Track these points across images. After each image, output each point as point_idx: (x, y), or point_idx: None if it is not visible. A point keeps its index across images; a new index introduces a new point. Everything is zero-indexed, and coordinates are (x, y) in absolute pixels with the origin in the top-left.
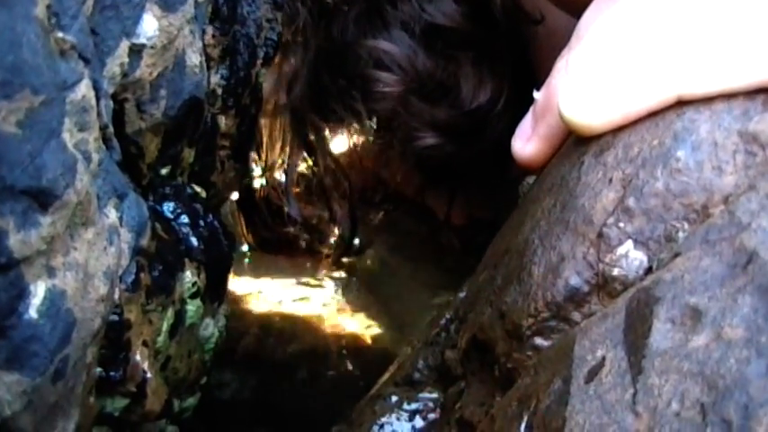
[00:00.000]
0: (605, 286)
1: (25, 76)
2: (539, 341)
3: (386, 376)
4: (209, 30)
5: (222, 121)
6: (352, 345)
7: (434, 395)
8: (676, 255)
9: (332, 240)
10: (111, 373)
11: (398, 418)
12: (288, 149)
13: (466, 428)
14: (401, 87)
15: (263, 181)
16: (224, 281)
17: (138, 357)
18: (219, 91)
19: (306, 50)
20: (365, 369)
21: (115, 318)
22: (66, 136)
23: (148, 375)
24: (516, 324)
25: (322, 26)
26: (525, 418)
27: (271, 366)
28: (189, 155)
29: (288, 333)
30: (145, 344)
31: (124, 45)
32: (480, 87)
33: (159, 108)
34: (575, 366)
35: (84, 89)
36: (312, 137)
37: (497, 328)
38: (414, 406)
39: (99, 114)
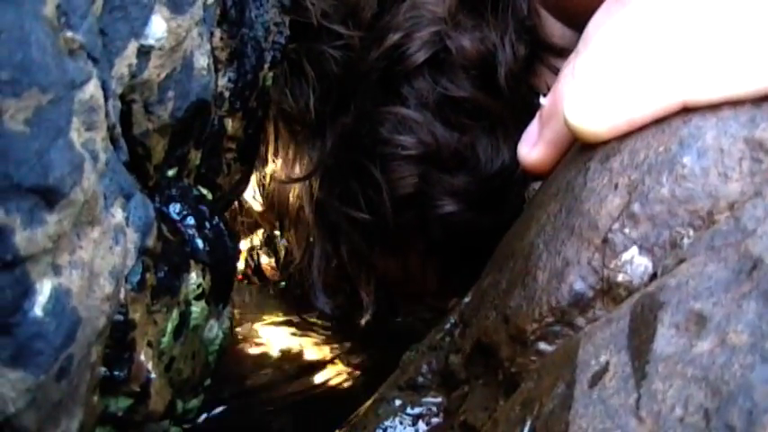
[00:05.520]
0: (610, 292)
1: (33, 74)
2: (543, 346)
3: (390, 380)
4: (218, 32)
5: (229, 123)
6: (354, 355)
7: (438, 399)
8: (681, 261)
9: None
10: (116, 373)
11: (401, 422)
12: (311, 241)
13: None
14: (420, 151)
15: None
16: (229, 283)
17: (142, 357)
18: (227, 93)
19: (323, 142)
20: (367, 379)
21: (120, 317)
22: (73, 135)
23: (152, 375)
24: (520, 329)
25: (336, 111)
26: (528, 423)
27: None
28: (195, 157)
29: (288, 351)
30: (149, 344)
31: (132, 46)
32: (497, 155)
33: (166, 109)
34: (578, 371)
35: (92, 89)
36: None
37: (501, 332)
38: (417, 410)
39: (107, 114)
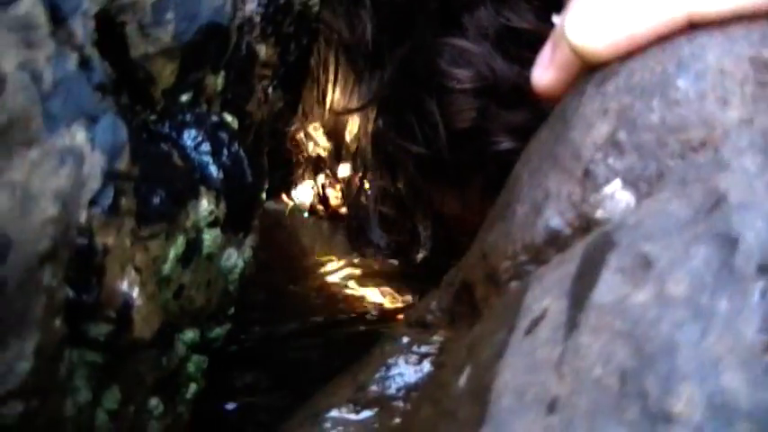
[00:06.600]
0: (588, 229)
1: None
2: (515, 286)
3: (403, 318)
4: None
5: (262, 49)
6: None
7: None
8: (648, 195)
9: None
10: (84, 297)
11: (407, 361)
12: (369, 172)
13: None
14: (477, 84)
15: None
16: (249, 212)
17: (123, 283)
18: (257, 18)
19: (381, 72)
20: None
21: (84, 241)
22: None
23: (137, 302)
24: (494, 267)
25: (394, 41)
26: (467, 370)
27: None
28: (215, 82)
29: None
30: (137, 270)
31: None
32: None
33: (167, 32)
34: (520, 316)
35: (27, 5)
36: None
37: (479, 270)
38: (423, 349)
39: (71, 34)
